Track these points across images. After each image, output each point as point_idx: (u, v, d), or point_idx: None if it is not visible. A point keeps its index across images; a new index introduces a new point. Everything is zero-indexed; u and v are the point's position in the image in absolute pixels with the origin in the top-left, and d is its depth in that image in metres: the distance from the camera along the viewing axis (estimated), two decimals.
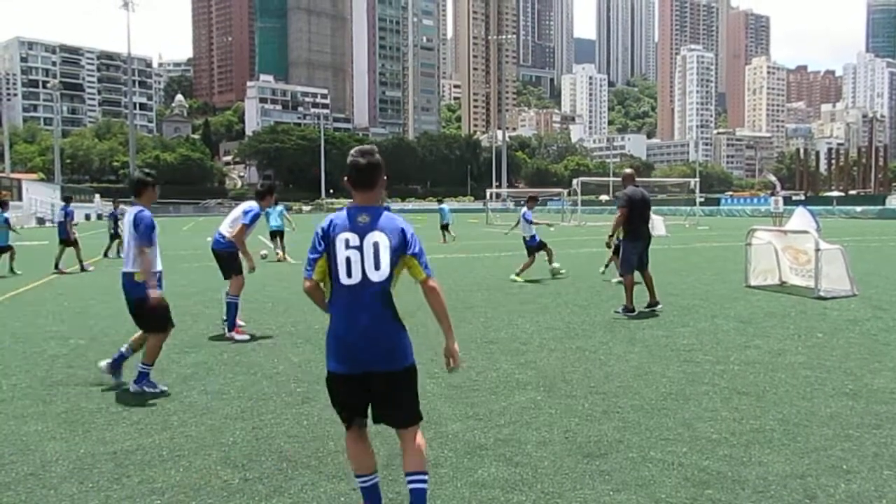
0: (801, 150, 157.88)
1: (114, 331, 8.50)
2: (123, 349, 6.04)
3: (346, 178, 3.26)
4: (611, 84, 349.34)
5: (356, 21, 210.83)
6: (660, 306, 9.41)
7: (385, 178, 3.32)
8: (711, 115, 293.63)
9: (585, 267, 15.05)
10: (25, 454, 4.36)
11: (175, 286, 13.11)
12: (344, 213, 3.27)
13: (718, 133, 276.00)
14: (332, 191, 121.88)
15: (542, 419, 4.91)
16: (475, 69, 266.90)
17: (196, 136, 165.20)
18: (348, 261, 3.17)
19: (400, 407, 3.28)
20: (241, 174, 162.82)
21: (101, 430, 4.80)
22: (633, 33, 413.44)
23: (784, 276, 11.77)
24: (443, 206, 27.18)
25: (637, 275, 9.38)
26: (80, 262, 16.93)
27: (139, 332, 5.99)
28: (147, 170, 6.19)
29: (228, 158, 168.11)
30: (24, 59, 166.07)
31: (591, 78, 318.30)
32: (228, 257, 8.24)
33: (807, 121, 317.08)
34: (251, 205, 8.25)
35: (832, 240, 12.07)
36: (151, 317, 5.75)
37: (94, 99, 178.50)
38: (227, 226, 8.28)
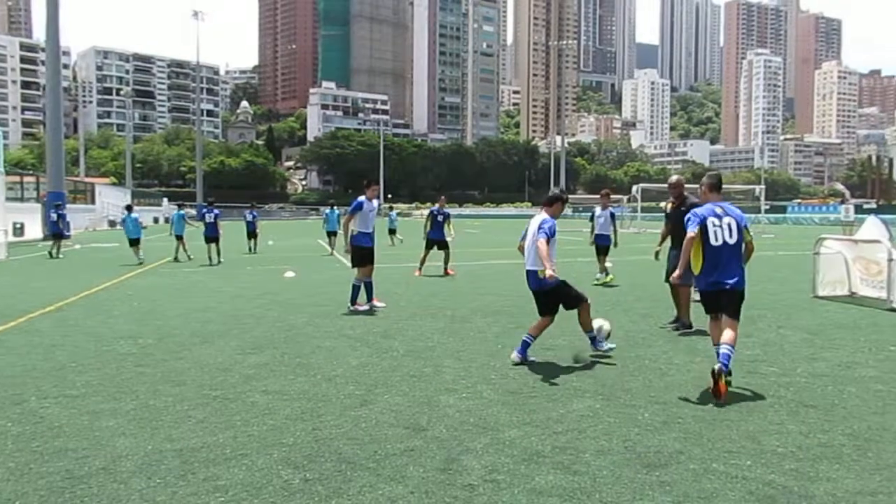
0: (874, 157, 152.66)
1: (179, 331, 8.76)
2: (526, 337, 6.92)
3: (704, 185, 6.46)
4: (673, 89, 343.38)
5: (417, 28, 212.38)
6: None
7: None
8: (778, 121, 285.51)
9: (645, 275, 14.81)
10: (98, 449, 4.52)
11: (238, 289, 13.45)
12: (708, 206, 6.19)
13: (786, 139, 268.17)
14: (390, 196, 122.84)
15: (601, 427, 4.85)
16: (535, 75, 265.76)
17: (260, 142, 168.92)
18: (716, 233, 6.00)
19: (733, 307, 6.02)
20: (303, 179, 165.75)
21: (168, 428, 4.94)
22: (698, 38, 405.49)
23: (854, 287, 11.39)
24: (392, 212, 28.98)
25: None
26: (219, 256, 20.19)
27: (541, 320, 6.94)
28: (562, 188, 7.42)
29: (290, 164, 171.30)
30: (99, 68, 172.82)
31: (653, 83, 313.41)
32: (356, 249, 10.36)
33: (880, 127, 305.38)
34: (358, 199, 10.36)
35: None
36: (556, 302, 6.91)
37: (164, 106, 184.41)
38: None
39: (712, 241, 5.95)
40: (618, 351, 7.34)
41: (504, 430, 4.80)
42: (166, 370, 6.67)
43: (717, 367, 5.50)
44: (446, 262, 15.76)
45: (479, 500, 3.71)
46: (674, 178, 9.46)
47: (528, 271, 6.95)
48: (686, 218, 6.20)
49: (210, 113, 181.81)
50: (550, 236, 6.72)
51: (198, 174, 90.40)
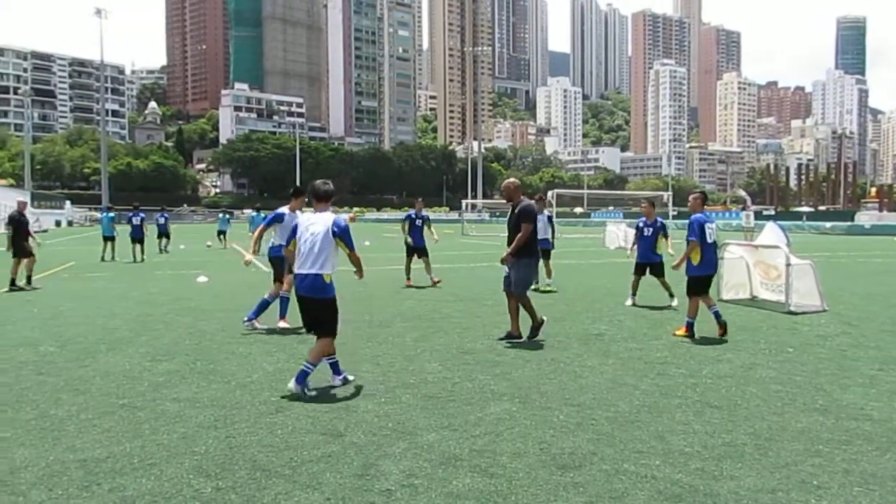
0: (772, 166, 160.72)
1: (84, 337, 8.39)
2: (305, 366, 5.93)
3: (696, 199, 8.77)
4: (585, 97, 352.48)
5: (332, 31, 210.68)
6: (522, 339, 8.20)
7: None
8: (684, 130, 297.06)
9: (560, 279, 15.11)
10: None
11: (147, 294, 12.98)
12: (701, 215, 8.47)
13: (690, 147, 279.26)
14: (306, 199, 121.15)
15: (517, 430, 4.92)
16: (451, 80, 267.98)
17: (169, 144, 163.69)
18: (709, 234, 8.47)
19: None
20: (215, 182, 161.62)
21: (71, 438, 4.72)
22: (607, 47, 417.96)
23: (755, 291, 11.91)
24: (224, 215, 28.71)
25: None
26: (143, 255, 22.03)
27: (319, 344, 6.08)
28: (327, 180, 6.51)
29: (202, 166, 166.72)
30: None
31: (565, 91, 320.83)
32: (273, 260, 9.49)
33: (777, 136, 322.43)
34: (278, 210, 9.38)
35: (802, 255, 12.25)
36: (333, 319, 6.08)
37: (65, 105, 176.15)
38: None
39: (708, 240, 8.38)
40: (533, 354, 7.47)
41: (422, 435, 4.80)
42: (69, 378, 6.37)
43: (722, 321, 8.45)
44: (428, 271, 14.35)
45: None
46: (512, 179, 8.89)
47: (306, 275, 5.98)
48: (688, 226, 8.46)
49: (115, 113, 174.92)
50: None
51: (103, 176, 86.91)
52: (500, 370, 6.74)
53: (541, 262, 12.29)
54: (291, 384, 5.83)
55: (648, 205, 12.03)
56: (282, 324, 9.21)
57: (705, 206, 9.10)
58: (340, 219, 6.10)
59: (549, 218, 13.97)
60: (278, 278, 9.47)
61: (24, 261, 14.18)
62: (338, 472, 4.12)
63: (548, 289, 13.15)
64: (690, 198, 9.03)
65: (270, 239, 9.70)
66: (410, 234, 14.46)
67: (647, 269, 11.44)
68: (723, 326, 8.38)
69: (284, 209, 9.53)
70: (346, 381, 6.14)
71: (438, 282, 14.06)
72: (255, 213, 27.87)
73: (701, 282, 8.55)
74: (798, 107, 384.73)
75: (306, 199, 9.64)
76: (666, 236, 11.56)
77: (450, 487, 3.92)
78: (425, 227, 14.62)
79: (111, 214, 23.23)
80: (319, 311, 6.04)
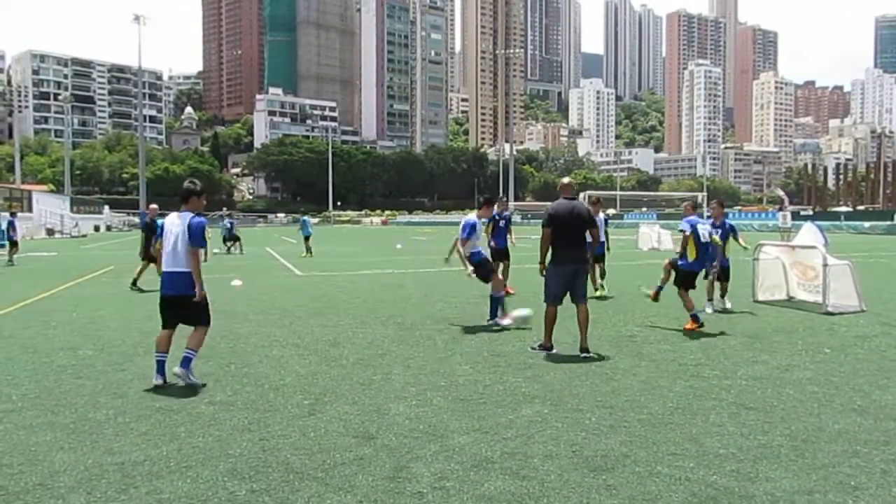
0: (810, 166, 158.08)
1: (121, 341, 8.55)
2: (187, 352, 6.34)
3: (688, 205, 9.61)
4: (618, 98, 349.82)
5: (365, 35, 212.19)
6: (589, 354, 7.44)
7: None
8: (719, 130, 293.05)
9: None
10: (34, 464, 4.37)
11: None
12: (694, 216, 9.39)
13: (726, 148, 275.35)
14: (339, 203, 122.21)
15: (549, 433, 4.90)
16: (483, 83, 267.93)
17: (205, 149, 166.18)
18: (702, 234, 9.30)
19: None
20: (250, 186, 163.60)
21: (108, 441, 4.81)
22: (641, 48, 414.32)
23: (792, 292, 11.74)
24: (304, 218, 29.03)
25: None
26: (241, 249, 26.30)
27: (197, 333, 6.43)
28: (194, 179, 6.78)
29: (237, 171, 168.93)
30: (35, 72, 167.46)
31: (598, 92, 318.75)
32: (477, 265, 9.71)
33: (815, 136, 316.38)
34: (468, 218, 9.74)
35: (840, 255, 12.03)
36: (205, 310, 6.39)
37: (104, 111, 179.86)
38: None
39: (701, 240, 9.21)
40: (565, 356, 7.43)
41: (453, 437, 4.81)
42: (107, 382, 6.49)
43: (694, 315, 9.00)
44: (506, 277, 12.69)
45: None
46: (566, 179, 8.44)
47: (171, 272, 6.25)
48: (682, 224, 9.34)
49: (153, 119, 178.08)
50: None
51: (141, 181, 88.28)
52: (531, 373, 6.72)
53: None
54: (177, 369, 6.18)
55: (717, 206, 11.60)
56: (506, 321, 9.32)
57: (724, 209, 9.92)
58: (196, 219, 6.34)
59: (606, 221, 13.43)
60: (485, 279, 9.86)
61: (151, 264, 14.93)
62: (370, 475, 4.14)
63: (600, 294, 12.49)
64: (683, 205, 10.03)
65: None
66: (494, 236, 13.06)
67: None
68: (695, 320, 8.98)
69: (473, 216, 9.87)
70: (189, 380, 6.21)
71: (512, 292, 12.55)
72: (305, 219, 28.75)
73: (690, 276, 9.32)
74: (836, 106, 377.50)
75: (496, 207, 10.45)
76: (736, 238, 11.32)
77: (481, 490, 3.91)
78: (508, 230, 13.35)
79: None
80: (185, 307, 6.29)
